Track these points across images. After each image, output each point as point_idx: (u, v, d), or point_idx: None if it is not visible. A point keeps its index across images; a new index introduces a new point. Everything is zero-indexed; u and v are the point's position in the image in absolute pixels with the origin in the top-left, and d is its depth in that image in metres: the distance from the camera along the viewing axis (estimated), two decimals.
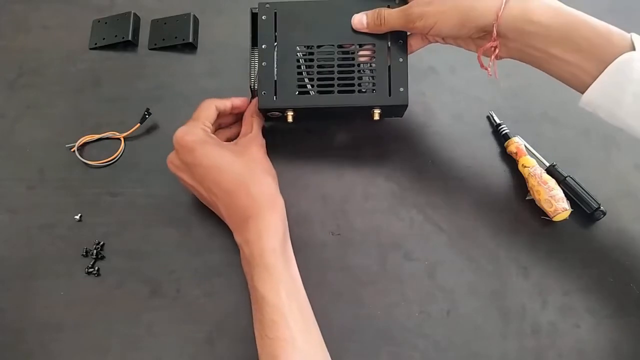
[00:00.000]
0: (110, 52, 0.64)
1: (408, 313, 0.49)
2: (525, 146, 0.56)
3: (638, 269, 0.51)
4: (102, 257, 0.51)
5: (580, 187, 0.53)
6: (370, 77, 0.51)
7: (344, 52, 0.52)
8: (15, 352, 0.48)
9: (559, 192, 0.52)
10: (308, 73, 0.52)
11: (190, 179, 0.50)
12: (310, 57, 0.51)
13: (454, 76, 0.61)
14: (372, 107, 0.51)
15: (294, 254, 0.48)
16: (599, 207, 0.52)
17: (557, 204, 0.51)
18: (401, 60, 0.51)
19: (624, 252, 0.52)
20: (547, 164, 0.55)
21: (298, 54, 0.52)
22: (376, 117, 0.52)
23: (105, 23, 0.65)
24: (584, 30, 0.41)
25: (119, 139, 0.57)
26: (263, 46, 0.51)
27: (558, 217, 0.52)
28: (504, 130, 0.57)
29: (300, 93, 0.51)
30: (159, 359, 0.48)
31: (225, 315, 0.49)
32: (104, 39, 0.64)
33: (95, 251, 0.51)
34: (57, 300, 0.50)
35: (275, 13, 0.52)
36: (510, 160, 0.56)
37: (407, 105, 0.51)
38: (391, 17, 0.49)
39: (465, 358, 0.48)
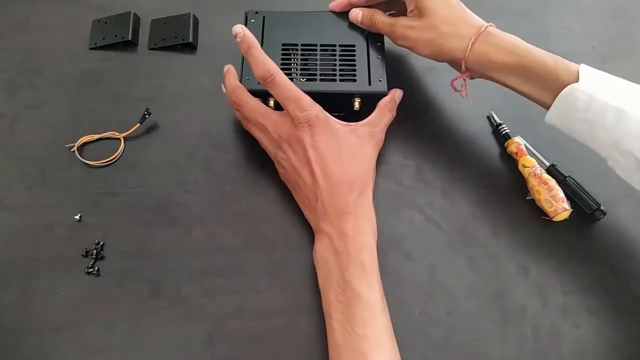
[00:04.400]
0: (110, 52, 0.64)
1: (408, 313, 0.49)
2: (526, 146, 0.56)
3: (638, 269, 0.51)
4: (102, 257, 0.51)
5: (580, 187, 0.53)
6: (350, 70, 0.54)
7: (326, 47, 0.56)
8: (15, 353, 0.47)
9: (559, 192, 0.52)
10: (292, 64, 0.55)
11: (295, 157, 0.49)
12: (295, 51, 0.56)
13: (454, 76, 0.61)
14: (353, 96, 0.53)
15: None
16: (599, 207, 0.52)
17: (557, 204, 0.51)
18: (379, 57, 0.56)
19: (624, 252, 0.52)
20: (547, 164, 0.55)
21: (282, 49, 0.56)
22: (356, 106, 0.54)
23: (105, 23, 0.65)
24: (535, 67, 0.47)
25: (119, 139, 0.57)
26: None
27: (558, 217, 0.52)
28: (504, 130, 0.57)
29: None
30: (158, 359, 0.48)
31: (225, 315, 0.49)
32: (104, 39, 0.64)
33: (95, 251, 0.51)
34: (57, 300, 0.49)
35: (264, 17, 0.58)
36: (510, 160, 0.56)
37: (386, 94, 0.54)
38: (381, 24, 0.55)
39: (465, 358, 0.48)
